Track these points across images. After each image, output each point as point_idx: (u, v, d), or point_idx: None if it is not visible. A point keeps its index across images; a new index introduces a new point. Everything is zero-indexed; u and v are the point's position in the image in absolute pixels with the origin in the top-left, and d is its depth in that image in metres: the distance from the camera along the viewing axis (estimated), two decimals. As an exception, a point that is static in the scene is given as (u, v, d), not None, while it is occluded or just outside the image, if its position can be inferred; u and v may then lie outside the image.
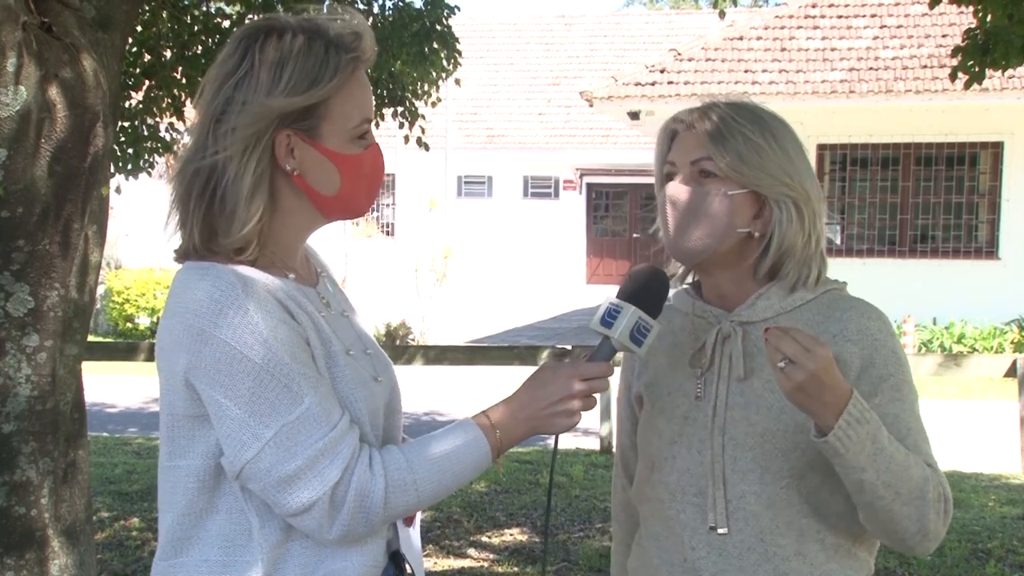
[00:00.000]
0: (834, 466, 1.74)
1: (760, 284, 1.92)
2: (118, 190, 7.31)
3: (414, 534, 1.93)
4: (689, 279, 2.06)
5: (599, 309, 1.82)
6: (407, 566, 1.89)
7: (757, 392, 1.84)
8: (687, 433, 1.91)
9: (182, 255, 1.76)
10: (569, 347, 8.64)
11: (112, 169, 6.98)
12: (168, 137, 7.31)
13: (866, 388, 1.82)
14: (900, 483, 1.73)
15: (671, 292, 1.94)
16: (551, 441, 1.88)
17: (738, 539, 1.86)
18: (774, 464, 1.84)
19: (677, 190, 1.90)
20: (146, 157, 7.17)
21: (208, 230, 1.71)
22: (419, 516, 1.95)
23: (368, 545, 1.75)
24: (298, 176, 1.75)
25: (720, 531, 1.86)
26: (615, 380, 1.99)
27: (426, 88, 7.67)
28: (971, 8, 5.71)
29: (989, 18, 5.48)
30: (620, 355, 1.85)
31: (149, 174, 7.40)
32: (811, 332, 1.80)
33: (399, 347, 11.31)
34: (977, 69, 5.59)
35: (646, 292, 1.83)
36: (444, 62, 7.30)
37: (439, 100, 8.06)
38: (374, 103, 7.25)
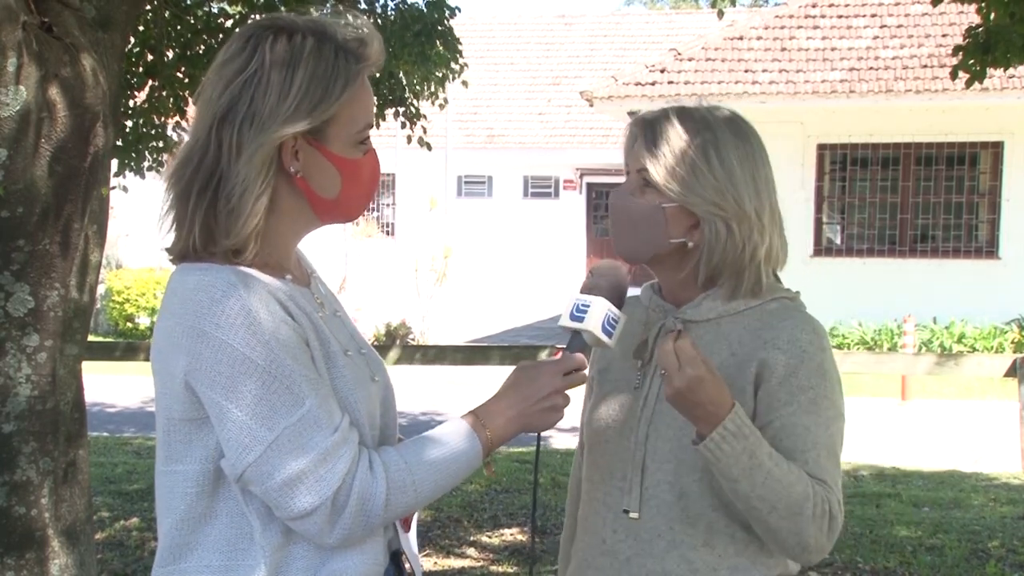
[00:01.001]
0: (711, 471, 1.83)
1: (704, 288, 1.98)
2: (125, 189, 7.31)
3: (412, 537, 1.92)
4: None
5: (566, 306, 1.89)
6: (407, 565, 1.89)
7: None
8: (620, 420, 2.00)
9: (179, 256, 1.74)
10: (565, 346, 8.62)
11: (119, 167, 6.99)
12: (175, 137, 7.31)
13: (784, 396, 1.88)
14: (776, 499, 1.79)
15: (641, 285, 2.06)
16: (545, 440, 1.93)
17: (649, 525, 1.93)
18: (689, 458, 1.90)
19: (617, 195, 2.00)
20: (156, 156, 7.17)
21: (207, 231, 1.70)
22: (416, 520, 1.95)
23: (368, 544, 1.75)
24: (301, 178, 1.74)
25: (632, 515, 1.94)
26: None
27: (432, 89, 7.67)
28: (972, 7, 5.71)
29: (992, 16, 5.48)
30: None
31: (159, 172, 7.39)
32: (749, 336, 1.91)
33: (398, 347, 11.29)
34: (978, 68, 5.59)
35: (610, 285, 1.91)
36: (450, 62, 7.30)
37: (445, 102, 8.05)
38: (376, 103, 7.27)
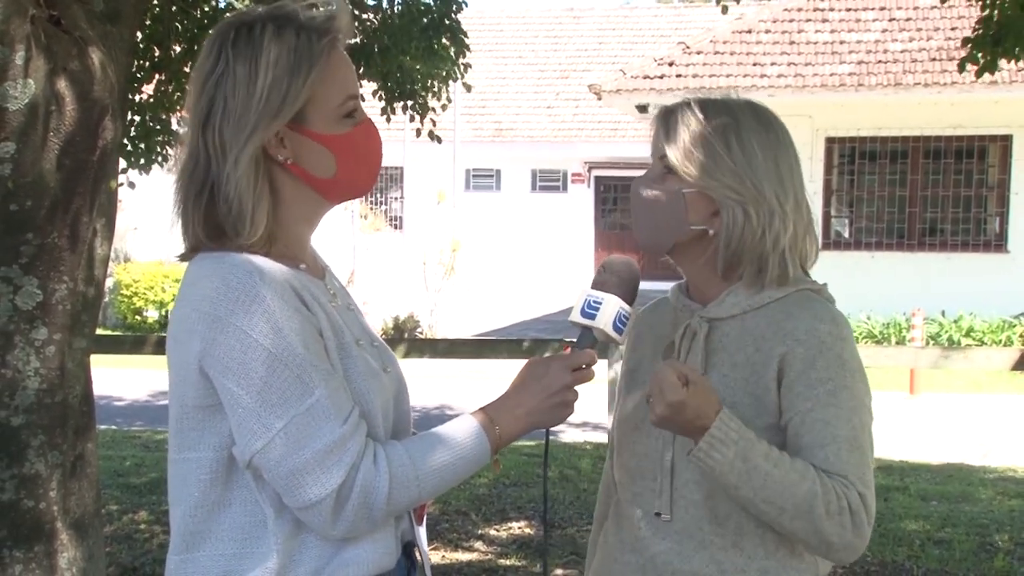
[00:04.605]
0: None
1: (726, 280, 1.95)
2: (132, 185, 7.31)
3: (421, 531, 1.93)
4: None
5: (577, 302, 1.88)
6: (419, 557, 1.90)
7: (713, 387, 1.86)
8: (649, 420, 1.95)
9: (191, 250, 1.76)
10: (575, 340, 8.61)
11: (124, 164, 6.98)
12: (180, 130, 7.30)
13: (802, 389, 1.84)
14: (783, 500, 1.76)
15: (671, 285, 2.03)
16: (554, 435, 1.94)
17: (679, 525, 1.92)
18: None
19: (638, 184, 1.98)
20: (158, 150, 7.17)
21: (211, 227, 1.72)
22: (425, 513, 1.95)
23: (380, 535, 1.76)
24: (293, 164, 1.75)
25: (664, 517, 1.93)
26: (599, 369, 2.02)
27: (436, 86, 7.64)
28: (980, 2, 5.70)
29: (996, 15, 5.47)
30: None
31: (161, 166, 7.39)
32: (772, 330, 1.88)
33: (407, 340, 11.30)
34: (988, 59, 5.58)
35: (622, 282, 1.88)
36: (454, 58, 7.27)
37: (449, 102, 8.01)
38: (384, 98, 7.27)
